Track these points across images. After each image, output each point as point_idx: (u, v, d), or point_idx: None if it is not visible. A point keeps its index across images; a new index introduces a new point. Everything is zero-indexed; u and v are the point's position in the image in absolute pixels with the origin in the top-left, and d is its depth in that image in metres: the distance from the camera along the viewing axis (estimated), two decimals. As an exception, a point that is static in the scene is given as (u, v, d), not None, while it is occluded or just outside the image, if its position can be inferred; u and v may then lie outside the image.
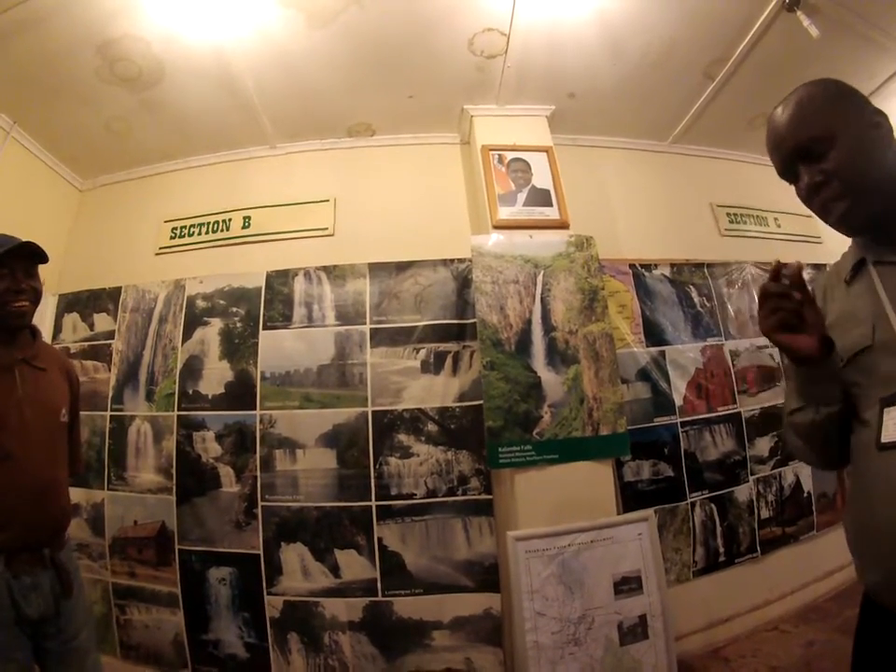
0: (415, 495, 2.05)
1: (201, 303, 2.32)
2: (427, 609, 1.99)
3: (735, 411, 2.45)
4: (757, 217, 2.96)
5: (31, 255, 1.25)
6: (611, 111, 2.57)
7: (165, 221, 2.58)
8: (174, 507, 2.11)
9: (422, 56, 2.11)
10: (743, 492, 2.38)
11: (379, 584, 2.00)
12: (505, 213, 2.24)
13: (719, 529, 2.30)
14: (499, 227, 2.21)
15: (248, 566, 2.04)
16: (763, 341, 2.64)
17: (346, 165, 2.61)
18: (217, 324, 2.28)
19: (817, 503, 2.56)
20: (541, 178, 2.33)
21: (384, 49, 2.05)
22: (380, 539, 2.02)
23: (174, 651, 2.05)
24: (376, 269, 2.27)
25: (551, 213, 2.27)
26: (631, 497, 2.15)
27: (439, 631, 1.98)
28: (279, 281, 2.30)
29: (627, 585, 1.90)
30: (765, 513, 2.41)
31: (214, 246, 2.50)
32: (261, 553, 2.04)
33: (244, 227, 2.51)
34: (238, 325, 2.27)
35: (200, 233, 2.53)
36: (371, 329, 2.20)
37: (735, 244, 2.84)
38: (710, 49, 2.20)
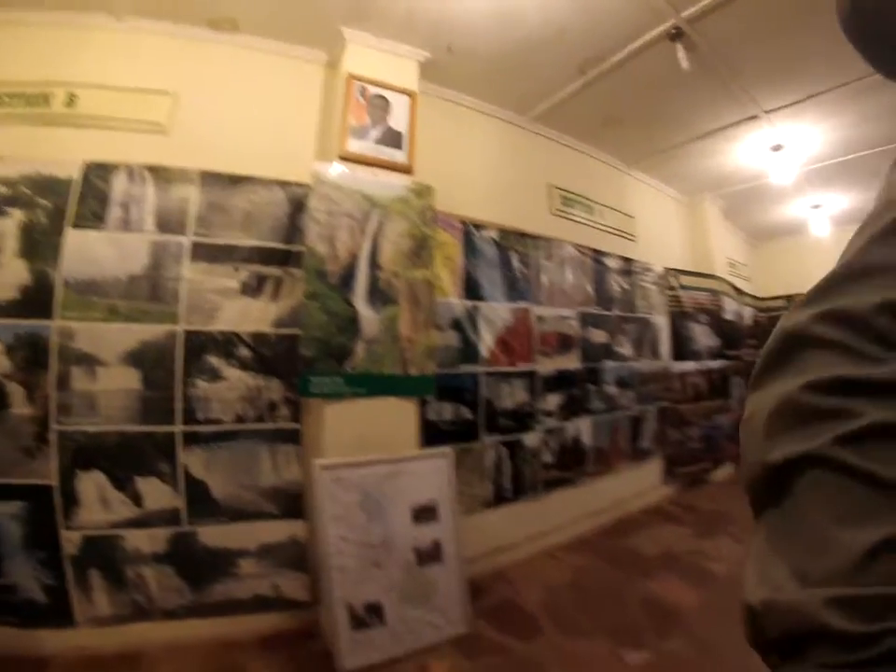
0: (223, 420, 1.98)
1: (0, 188, 1.90)
2: (233, 537, 1.97)
3: (533, 368, 2.78)
4: (587, 205, 3.30)
5: None
6: (482, 75, 2.62)
7: (-34, 81, 2.02)
8: (-50, 430, 1.76)
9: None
10: (531, 439, 2.75)
11: (184, 514, 1.92)
12: (354, 146, 2.19)
13: (508, 469, 2.63)
14: (345, 158, 2.16)
15: (41, 498, 1.80)
16: (567, 311, 3.00)
17: (197, 59, 2.29)
18: (17, 215, 1.89)
19: (593, 454, 3.07)
20: (398, 120, 2.31)
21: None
22: (185, 466, 1.93)
23: (-39, 601, 1.74)
24: (208, 178, 2.08)
25: (399, 156, 2.27)
26: (432, 435, 2.33)
27: (245, 559, 1.98)
28: (97, 174, 1.98)
29: (424, 514, 2.08)
30: (549, 459, 2.82)
31: (25, 123, 2.03)
32: (56, 483, 1.81)
33: (67, 105, 2.08)
34: (42, 219, 1.91)
35: (11, 104, 2.03)
36: (192, 241, 2.02)
37: (561, 224, 3.14)
38: (591, 48, 2.34)
